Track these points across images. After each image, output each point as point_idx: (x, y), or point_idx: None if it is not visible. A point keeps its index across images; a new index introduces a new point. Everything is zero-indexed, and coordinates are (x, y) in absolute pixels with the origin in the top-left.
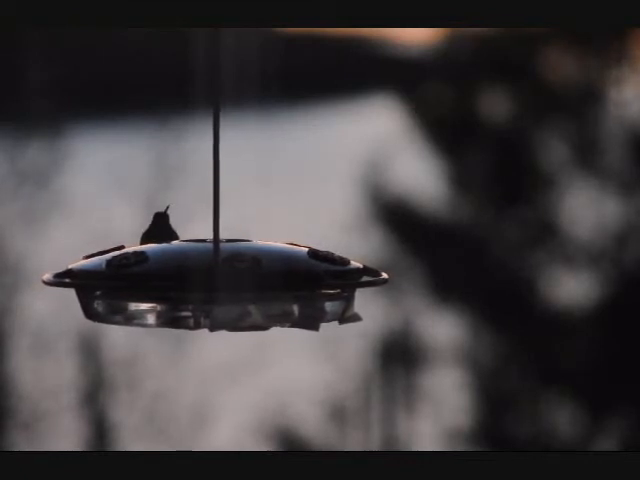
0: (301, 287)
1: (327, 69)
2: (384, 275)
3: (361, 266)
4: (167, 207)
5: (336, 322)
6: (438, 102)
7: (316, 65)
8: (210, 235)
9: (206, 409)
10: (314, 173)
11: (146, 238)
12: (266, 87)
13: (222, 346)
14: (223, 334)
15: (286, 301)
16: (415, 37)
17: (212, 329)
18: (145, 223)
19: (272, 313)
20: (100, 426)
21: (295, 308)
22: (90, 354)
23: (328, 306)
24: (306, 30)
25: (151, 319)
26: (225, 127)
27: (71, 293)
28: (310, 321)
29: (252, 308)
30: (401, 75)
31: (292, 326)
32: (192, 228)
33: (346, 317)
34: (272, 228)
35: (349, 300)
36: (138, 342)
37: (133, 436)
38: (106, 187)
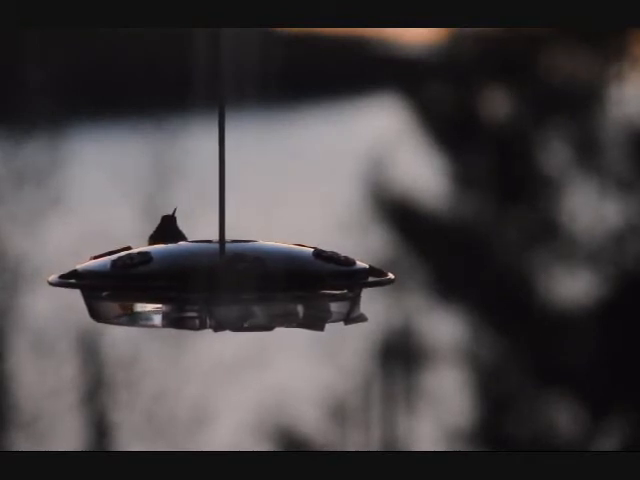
0: (305, 287)
1: (328, 69)
2: (390, 275)
3: (367, 266)
4: (174, 210)
5: (339, 322)
6: (440, 101)
7: (317, 65)
8: (211, 235)
9: (206, 409)
10: (317, 172)
11: (153, 240)
12: (267, 87)
13: (222, 346)
14: (223, 334)
15: (290, 301)
16: (417, 37)
17: (216, 330)
18: (145, 223)
19: (276, 313)
20: (100, 426)
21: (299, 308)
22: (90, 354)
23: (333, 306)
24: (306, 30)
25: (156, 320)
26: (226, 127)
27: (72, 293)
28: (315, 321)
29: (256, 308)
30: (403, 74)
31: (297, 326)
32: (193, 228)
33: (352, 318)
34: (275, 228)
35: (355, 301)
36: (138, 342)
37: (133, 436)
38: (106, 187)
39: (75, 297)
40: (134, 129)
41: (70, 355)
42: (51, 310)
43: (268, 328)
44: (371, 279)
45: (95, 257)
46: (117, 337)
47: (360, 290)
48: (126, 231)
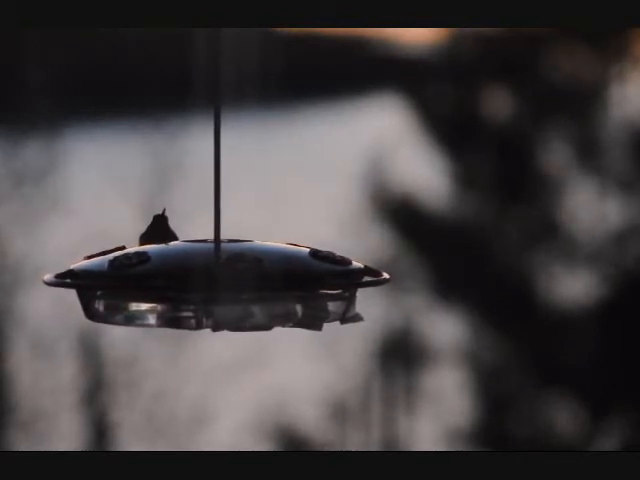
0: (303, 287)
1: (328, 69)
2: (385, 275)
3: (362, 266)
4: (163, 210)
5: (337, 322)
6: (440, 101)
7: (317, 65)
8: (209, 235)
9: (206, 409)
10: (317, 172)
11: (145, 239)
12: (267, 87)
13: (222, 346)
14: (223, 334)
15: (288, 301)
16: (417, 37)
17: (215, 329)
18: (144, 223)
19: (275, 313)
20: (100, 426)
21: (298, 308)
22: (90, 354)
23: (330, 306)
24: (306, 30)
25: (152, 319)
26: (225, 127)
27: (71, 293)
28: (313, 321)
29: (255, 308)
30: (403, 74)
31: (295, 326)
32: (191, 228)
33: (348, 317)
34: (273, 228)
35: (350, 300)
36: (138, 342)
37: (133, 436)
38: (105, 187)
39: (74, 297)
40: (133, 129)
41: (70, 355)
42: (51, 310)
43: (266, 328)
44: (367, 279)
45: (89, 257)
46: (117, 337)
47: (355, 290)
48: (125, 231)
